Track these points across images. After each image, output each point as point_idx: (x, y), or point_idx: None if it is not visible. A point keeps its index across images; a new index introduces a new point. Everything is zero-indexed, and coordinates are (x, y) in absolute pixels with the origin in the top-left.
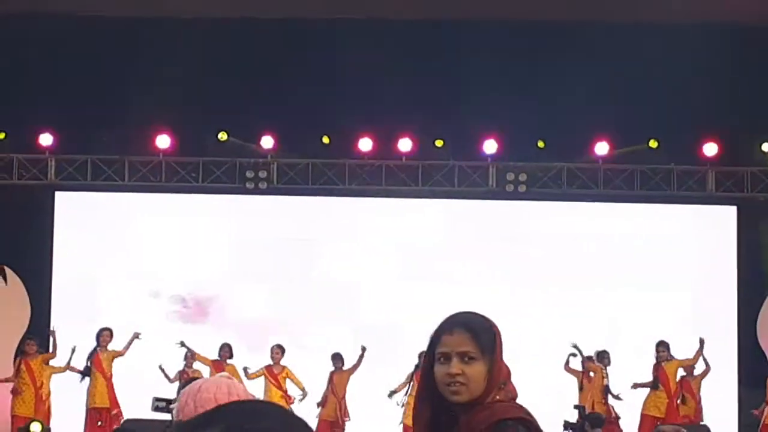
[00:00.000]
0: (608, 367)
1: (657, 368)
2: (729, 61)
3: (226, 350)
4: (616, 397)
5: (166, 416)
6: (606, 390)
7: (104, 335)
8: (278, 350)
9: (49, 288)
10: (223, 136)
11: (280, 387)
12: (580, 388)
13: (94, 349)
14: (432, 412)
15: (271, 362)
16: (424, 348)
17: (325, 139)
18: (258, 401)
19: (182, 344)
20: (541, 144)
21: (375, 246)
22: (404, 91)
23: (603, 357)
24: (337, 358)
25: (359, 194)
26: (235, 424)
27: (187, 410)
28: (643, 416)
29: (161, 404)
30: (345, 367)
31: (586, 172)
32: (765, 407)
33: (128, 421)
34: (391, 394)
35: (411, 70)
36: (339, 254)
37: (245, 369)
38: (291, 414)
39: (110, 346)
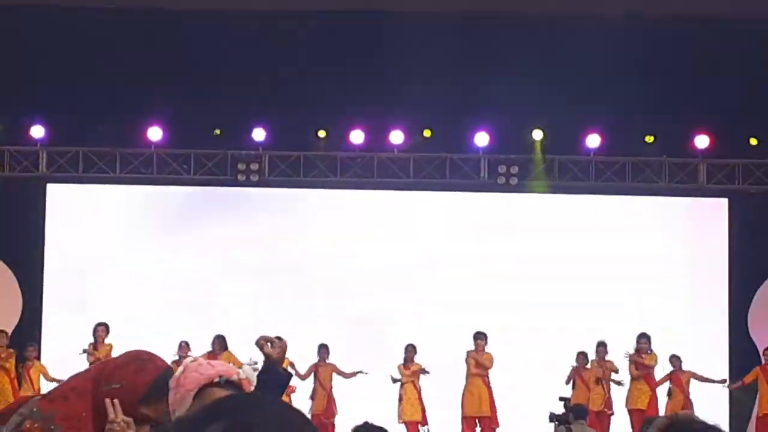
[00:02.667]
0: (606, 357)
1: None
2: (721, 55)
3: (218, 342)
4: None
5: None
6: (599, 380)
7: (99, 330)
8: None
9: (41, 279)
10: (217, 132)
11: None
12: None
13: (94, 345)
14: None
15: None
16: (412, 341)
17: (321, 133)
18: (252, 394)
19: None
20: (537, 135)
21: (366, 239)
22: (396, 84)
23: (599, 348)
24: (323, 349)
25: (351, 187)
26: (235, 420)
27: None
28: (630, 411)
29: None
30: (329, 360)
31: (578, 164)
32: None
33: None
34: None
35: (403, 63)
36: (330, 247)
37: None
38: (288, 406)
39: (107, 340)
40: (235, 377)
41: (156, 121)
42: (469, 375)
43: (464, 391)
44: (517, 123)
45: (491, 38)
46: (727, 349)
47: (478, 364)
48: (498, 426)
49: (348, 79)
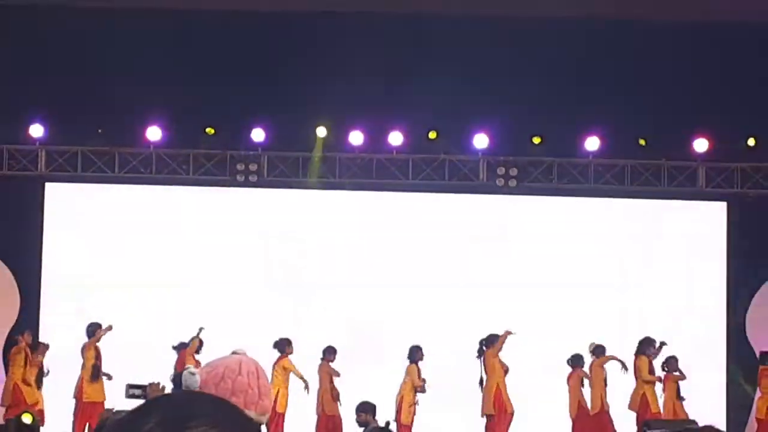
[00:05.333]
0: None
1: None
2: (720, 58)
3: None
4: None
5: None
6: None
7: (100, 330)
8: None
9: (39, 279)
10: (210, 131)
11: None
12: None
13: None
14: None
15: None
16: (416, 342)
17: (320, 132)
18: (187, 392)
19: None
20: (536, 140)
21: (365, 240)
22: (395, 85)
23: (599, 352)
24: (330, 351)
25: (350, 188)
26: (169, 413)
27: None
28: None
29: (136, 391)
30: (333, 363)
31: (576, 167)
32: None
33: (107, 411)
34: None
35: (402, 65)
36: (329, 248)
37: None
38: (221, 400)
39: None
40: None
41: (155, 120)
42: (499, 375)
43: (501, 390)
44: (517, 125)
45: (491, 40)
46: (724, 353)
47: (504, 369)
48: None
49: (348, 79)
